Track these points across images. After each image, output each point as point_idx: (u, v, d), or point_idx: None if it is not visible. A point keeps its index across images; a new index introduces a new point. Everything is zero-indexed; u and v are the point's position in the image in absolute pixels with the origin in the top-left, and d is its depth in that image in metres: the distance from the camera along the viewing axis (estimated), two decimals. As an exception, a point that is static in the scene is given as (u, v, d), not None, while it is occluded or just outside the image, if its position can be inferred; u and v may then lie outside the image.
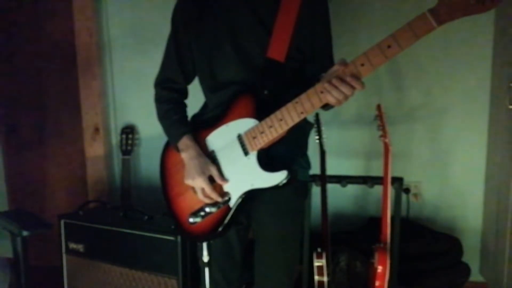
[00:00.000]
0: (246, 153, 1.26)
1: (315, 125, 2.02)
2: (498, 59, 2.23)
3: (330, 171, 2.03)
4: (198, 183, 1.29)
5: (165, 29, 2.55)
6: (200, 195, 1.30)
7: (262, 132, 1.22)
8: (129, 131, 2.56)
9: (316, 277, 1.92)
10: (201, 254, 1.36)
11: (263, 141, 1.23)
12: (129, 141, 2.54)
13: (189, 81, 1.45)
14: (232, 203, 1.29)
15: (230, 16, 1.29)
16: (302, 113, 1.17)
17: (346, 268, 2.09)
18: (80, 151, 2.70)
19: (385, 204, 1.85)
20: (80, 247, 2.14)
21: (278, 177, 1.22)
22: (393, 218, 1.91)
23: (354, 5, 2.35)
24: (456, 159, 2.38)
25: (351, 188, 2.33)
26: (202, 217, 1.29)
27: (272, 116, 1.21)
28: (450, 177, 2.40)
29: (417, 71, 2.35)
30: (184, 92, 1.46)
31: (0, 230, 2.06)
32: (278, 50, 1.25)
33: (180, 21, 1.38)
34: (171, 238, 1.88)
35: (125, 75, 2.62)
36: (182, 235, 1.42)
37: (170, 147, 1.44)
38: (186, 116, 1.43)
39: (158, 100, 1.45)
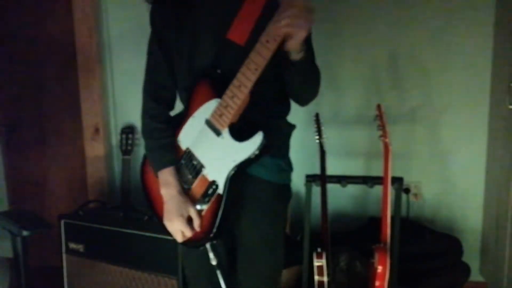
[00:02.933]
0: (218, 133, 1.22)
1: (315, 125, 2.02)
2: (498, 59, 2.23)
3: (330, 171, 2.03)
4: (176, 225, 1.27)
5: (165, 29, 2.56)
6: (178, 237, 1.29)
7: (226, 106, 1.19)
8: (129, 131, 2.56)
9: (316, 277, 1.91)
10: (208, 258, 1.30)
11: (230, 113, 1.19)
12: (129, 141, 2.54)
13: (176, 86, 1.39)
14: (221, 189, 1.23)
15: (206, 8, 1.26)
16: (256, 69, 1.13)
17: (346, 268, 2.09)
18: (80, 151, 2.70)
19: (385, 204, 1.85)
20: (80, 247, 2.14)
21: (256, 141, 1.18)
22: (393, 218, 1.91)
23: None
24: (456, 159, 2.38)
25: (351, 188, 2.33)
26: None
27: (231, 86, 1.18)
28: (450, 177, 2.40)
29: (417, 71, 2.35)
30: (172, 101, 1.40)
31: (0, 230, 2.06)
32: (239, 33, 1.22)
33: (160, 23, 1.34)
34: (171, 238, 1.87)
35: (125, 75, 2.62)
36: (187, 246, 1.35)
37: (148, 164, 1.39)
38: (173, 140, 1.33)
39: (146, 112, 1.39)
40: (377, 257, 1.79)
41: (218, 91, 1.21)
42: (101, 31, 2.59)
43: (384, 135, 1.86)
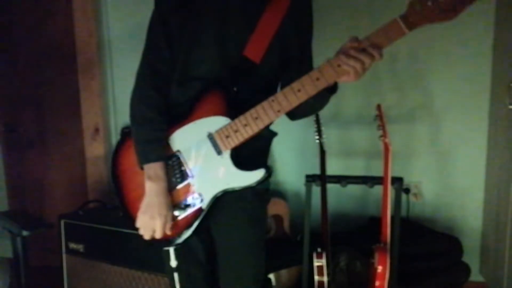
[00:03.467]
0: (219, 152, 1.21)
1: (315, 125, 2.02)
2: (498, 59, 2.23)
3: (330, 171, 2.03)
4: (154, 224, 1.24)
5: (165, 29, 2.55)
6: (146, 234, 1.27)
7: (236, 131, 1.19)
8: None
9: (316, 277, 1.92)
10: (168, 259, 1.34)
11: (238, 140, 1.19)
12: (129, 141, 2.53)
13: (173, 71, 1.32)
14: (205, 204, 1.24)
15: (216, 11, 1.23)
16: (279, 111, 1.16)
17: (346, 268, 2.09)
18: (80, 151, 2.70)
19: (385, 204, 1.85)
20: (80, 247, 2.14)
21: (256, 176, 1.20)
22: (393, 218, 1.91)
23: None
24: (456, 159, 2.38)
25: (351, 188, 2.33)
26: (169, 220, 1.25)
27: (247, 114, 1.18)
28: (450, 177, 2.40)
29: (417, 71, 2.35)
30: (168, 92, 1.31)
31: (0, 230, 2.06)
32: (255, 50, 1.22)
33: (167, 8, 1.27)
34: (171, 238, 1.87)
35: (125, 75, 2.62)
36: (144, 242, 1.32)
37: (125, 148, 1.33)
38: (165, 133, 1.27)
39: (142, 99, 1.29)
40: (377, 257, 1.79)
41: (229, 110, 1.21)
42: (101, 31, 2.59)
43: (384, 135, 1.86)
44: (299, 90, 1.13)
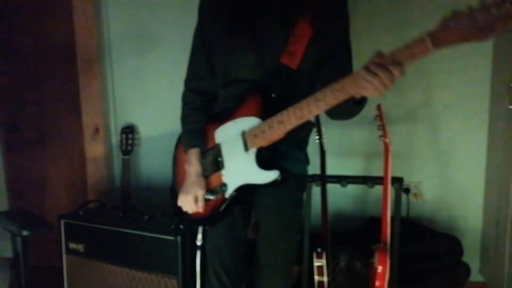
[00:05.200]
0: (246, 149, 1.33)
1: (315, 125, 2.02)
2: (498, 59, 2.23)
3: (330, 171, 2.03)
4: (188, 199, 1.39)
5: (165, 29, 2.57)
6: (184, 207, 1.42)
7: (263, 132, 1.29)
8: (129, 131, 2.56)
9: (316, 277, 1.91)
10: (195, 237, 1.49)
11: (263, 140, 1.29)
12: (129, 141, 2.54)
13: (215, 76, 1.46)
14: (227, 194, 1.38)
15: (253, 16, 1.32)
16: (300, 118, 1.22)
17: (346, 268, 2.09)
18: (80, 151, 2.70)
19: (385, 204, 1.85)
20: (80, 247, 2.14)
21: (270, 176, 1.31)
22: (393, 218, 1.91)
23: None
24: (456, 159, 2.38)
25: (351, 188, 2.33)
26: (202, 201, 1.40)
27: (274, 118, 1.26)
28: (450, 177, 2.40)
29: (417, 71, 2.35)
30: (210, 92, 1.47)
31: (0, 230, 2.06)
32: (291, 57, 1.30)
33: (208, 13, 1.40)
34: (171, 238, 1.88)
35: (125, 75, 2.62)
36: (188, 220, 1.48)
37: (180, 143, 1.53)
38: (203, 125, 1.45)
39: (182, 99, 1.51)
40: (377, 257, 1.79)
41: (264, 114, 1.30)
42: (101, 31, 2.59)
43: (384, 135, 1.86)
44: (319, 100, 1.17)
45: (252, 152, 1.32)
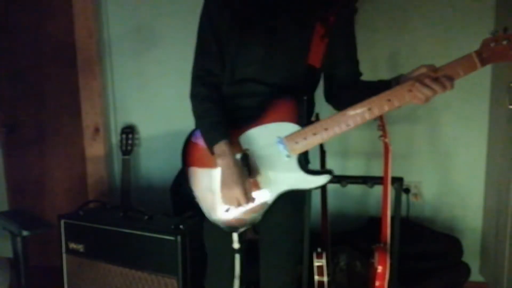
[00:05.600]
0: (287, 156, 1.31)
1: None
2: (498, 59, 2.23)
3: (330, 171, 2.03)
4: (234, 193, 1.30)
5: (165, 29, 2.57)
6: (232, 203, 1.33)
7: (305, 139, 1.28)
8: (129, 131, 2.56)
9: (316, 277, 1.92)
10: (231, 242, 1.42)
11: (306, 147, 1.29)
12: (129, 141, 2.54)
13: (224, 71, 1.41)
14: (270, 200, 1.36)
15: (271, 15, 1.31)
16: (347, 126, 1.25)
17: (346, 268, 2.09)
18: (80, 151, 2.70)
19: (385, 204, 1.85)
20: (80, 247, 2.14)
21: (322, 180, 1.32)
22: (393, 218, 1.91)
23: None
24: (456, 159, 2.38)
25: (351, 188, 2.33)
26: (237, 211, 1.37)
27: (318, 125, 1.27)
28: (450, 177, 2.40)
29: (417, 71, 2.35)
30: (220, 85, 1.41)
31: (0, 230, 2.06)
32: (316, 56, 1.32)
33: (215, 8, 1.35)
34: (171, 238, 1.88)
35: (125, 75, 2.63)
36: (224, 228, 1.43)
37: (191, 142, 1.44)
38: (225, 118, 1.38)
39: (195, 96, 1.40)
40: (377, 257, 1.79)
41: (299, 118, 1.30)
42: (101, 31, 2.59)
43: (384, 135, 1.86)
44: (369, 109, 1.22)
45: (293, 158, 1.31)
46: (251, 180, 1.34)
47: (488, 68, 2.28)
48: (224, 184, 1.32)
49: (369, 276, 1.89)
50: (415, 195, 2.41)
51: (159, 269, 1.92)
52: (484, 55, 1.13)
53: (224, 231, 1.43)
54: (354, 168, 2.42)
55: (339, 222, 2.43)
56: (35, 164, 2.81)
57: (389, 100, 1.21)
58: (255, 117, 1.33)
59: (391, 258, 1.81)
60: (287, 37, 1.32)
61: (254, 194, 1.35)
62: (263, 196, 1.36)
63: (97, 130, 2.62)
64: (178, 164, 2.45)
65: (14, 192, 2.88)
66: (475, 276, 2.33)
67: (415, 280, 2.09)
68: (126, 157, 2.51)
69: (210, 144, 1.35)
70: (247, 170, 1.33)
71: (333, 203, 2.20)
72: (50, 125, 2.76)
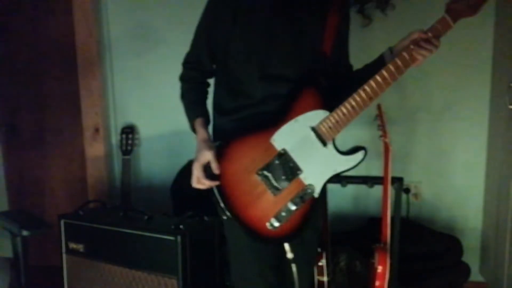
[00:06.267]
0: (324, 144, 1.32)
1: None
2: (498, 59, 2.23)
3: (330, 171, 2.03)
4: (195, 170, 1.30)
5: (165, 29, 2.57)
6: (194, 183, 1.32)
7: (337, 121, 1.31)
8: (129, 131, 2.56)
9: (316, 277, 1.91)
10: (284, 252, 1.39)
11: (339, 129, 1.32)
12: (129, 141, 2.54)
13: (215, 63, 1.45)
14: (317, 193, 1.34)
15: (286, 9, 1.33)
16: (370, 98, 1.29)
17: (346, 268, 2.09)
18: (80, 151, 2.70)
19: (385, 204, 1.85)
20: (80, 247, 2.14)
21: (358, 158, 1.37)
22: (393, 218, 1.91)
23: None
24: (456, 159, 2.38)
25: (351, 188, 2.33)
26: (285, 217, 1.31)
27: (345, 105, 1.29)
28: (450, 177, 2.40)
29: (418, 71, 2.33)
30: (208, 72, 1.47)
31: (0, 230, 2.06)
32: (328, 44, 1.37)
33: (224, 4, 1.35)
34: (171, 238, 1.87)
35: (125, 75, 2.63)
36: (262, 242, 1.35)
37: (224, 157, 1.31)
38: (205, 97, 1.46)
39: (181, 78, 1.48)
40: (377, 257, 1.79)
41: (325, 103, 1.32)
42: (101, 31, 2.59)
43: (384, 135, 1.86)
44: (384, 79, 1.29)
45: (330, 144, 1.33)
46: (293, 182, 1.31)
47: (488, 68, 2.28)
48: (198, 152, 1.33)
49: (369, 276, 1.89)
50: (415, 195, 2.41)
51: (159, 269, 1.92)
52: (451, 14, 1.32)
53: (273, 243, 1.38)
54: (354, 168, 2.41)
55: (339, 222, 2.43)
56: (35, 164, 2.81)
57: (397, 67, 1.30)
58: (281, 115, 1.31)
59: (391, 258, 1.81)
60: (308, 28, 1.35)
61: (300, 193, 1.32)
62: (309, 193, 1.33)
63: (97, 130, 2.62)
64: (178, 164, 2.47)
65: (14, 192, 2.88)
66: (475, 276, 2.33)
67: (415, 280, 2.09)
68: (126, 157, 2.51)
69: (190, 121, 1.42)
70: (290, 171, 1.30)
71: (333, 203, 2.19)
72: (50, 125, 2.76)
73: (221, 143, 1.32)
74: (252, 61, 1.34)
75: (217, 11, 1.37)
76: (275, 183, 1.30)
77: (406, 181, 2.10)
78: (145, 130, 2.64)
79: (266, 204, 1.31)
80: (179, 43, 2.46)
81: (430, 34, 1.32)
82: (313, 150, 1.32)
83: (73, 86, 2.63)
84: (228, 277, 2.08)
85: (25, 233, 1.93)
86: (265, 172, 1.29)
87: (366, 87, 1.29)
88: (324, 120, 1.31)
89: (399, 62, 1.31)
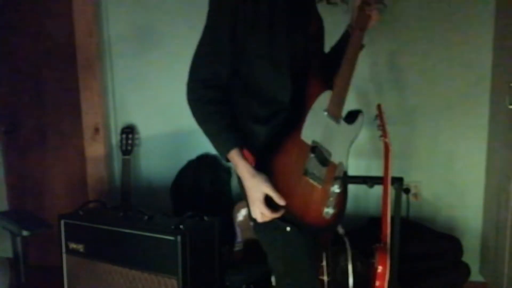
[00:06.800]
0: (338, 121, 1.37)
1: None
2: (498, 59, 2.23)
3: (330, 171, 2.03)
4: (256, 207, 1.24)
5: (165, 29, 2.57)
6: (259, 219, 1.25)
7: (339, 95, 1.36)
8: (129, 131, 2.56)
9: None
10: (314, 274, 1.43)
11: (344, 102, 1.37)
12: (129, 141, 2.54)
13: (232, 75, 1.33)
14: (346, 166, 1.42)
15: (302, 13, 1.39)
16: (352, 63, 1.36)
17: (346, 268, 2.08)
18: (80, 151, 2.70)
19: (385, 204, 1.85)
20: (80, 247, 2.14)
21: (361, 121, 1.44)
22: (393, 218, 1.91)
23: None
24: (456, 159, 2.38)
25: (351, 188, 2.32)
26: (334, 201, 1.35)
27: (339, 79, 1.35)
28: (450, 177, 2.40)
29: (417, 71, 2.35)
30: (226, 88, 1.30)
31: (0, 230, 2.06)
32: (313, 22, 1.43)
33: (236, 9, 1.24)
34: (171, 238, 1.87)
35: (125, 75, 2.63)
36: (317, 232, 1.41)
37: (274, 168, 1.27)
38: (234, 121, 1.29)
39: (200, 99, 1.28)
40: (377, 257, 1.79)
41: (327, 83, 1.37)
42: (101, 31, 2.59)
43: (384, 135, 1.86)
44: (354, 43, 1.37)
45: (341, 119, 1.38)
46: (329, 166, 1.34)
47: (488, 68, 2.28)
48: (249, 196, 1.26)
49: (369, 276, 1.89)
50: (415, 195, 2.41)
51: (159, 269, 1.92)
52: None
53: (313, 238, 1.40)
54: (354, 168, 2.41)
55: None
56: (35, 164, 2.81)
57: (361, 29, 1.38)
58: (300, 109, 1.32)
59: (391, 258, 1.81)
60: (315, 23, 1.44)
61: (336, 173, 1.36)
62: (341, 169, 1.38)
63: (97, 130, 2.62)
64: (178, 164, 2.47)
65: (14, 192, 2.88)
66: (475, 276, 2.33)
67: (415, 280, 2.09)
68: (126, 157, 2.51)
69: (221, 151, 1.28)
70: (325, 159, 1.33)
71: (333, 203, 2.20)
72: (50, 125, 2.76)
73: (266, 163, 1.27)
74: (280, 65, 1.30)
75: (235, 15, 1.25)
76: (319, 175, 1.31)
77: (406, 181, 2.10)
78: (145, 130, 2.64)
79: (317, 198, 1.32)
80: (179, 43, 2.49)
81: None
82: (332, 130, 1.36)
83: (73, 86, 2.63)
84: (228, 277, 2.08)
85: (25, 233, 1.94)
86: (310, 170, 1.29)
87: (347, 57, 1.35)
88: (331, 99, 1.35)
89: (360, 20, 1.39)
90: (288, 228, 1.28)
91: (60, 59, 2.67)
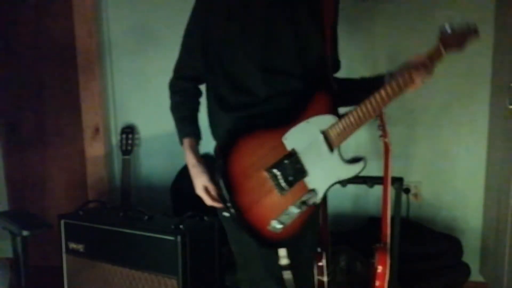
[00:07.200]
0: (331, 149, 1.32)
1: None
2: (498, 59, 2.23)
3: (330, 171, 2.03)
4: (199, 191, 1.35)
5: (165, 29, 2.57)
6: (202, 193, 1.34)
7: (344, 129, 1.31)
8: (129, 131, 2.56)
9: (316, 277, 1.91)
10: (275, 259, 1.35)
11: (345, 137, 1.32)
12: (129, 141, 2.54)
13: (208, 66, 1.40)
14: (319, 199, 1.32)
15: (282, 7, 1.32)
16: (374, 112, 1.30)
17: (346, 268, 2.09)
18: (80, 151, 2.70)
19: (385, 204, 1.85)
20: (80, 247, 2.14)
21: (358, 168, 1.36)
22: (393, 218, 1.91)
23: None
24: (456, 159, 2.38)
25: (351, 188, 2.33)
26: (287, 220, 1.28)
27: (354, 113, 1.30)
28: (450, 177, 2.40)
29: (417, 71, 2.35)
30: (201, 78, 1.44)
31: (0, 230, 2.06)
32: (328, 44, 1.37)
33: (217, 3, 1.35)
34: (171, 238, 1.87)
35: (125, 75, 2.63)
36: (262, 244, 1.31)
37: (231, 154, 1.29)
38: (196, 113, 1.43)
39: (171, 88, 1.47)
40: (377, 257, 1.79)
41: (334, 108, 1.33)
42: (101, 31, 2.59)
43: (384, 135, 1.86)
44: (387, 94, 1.32)
45: (336, 150, 1.33)
46: (298, 184, 1.29)
47: (488, 68, 2.28)
48: (194, 182, 1.37)
49: (369, 276, 1.88)
50: (415, 195, 2.41)
51: (159, 269, 1.92)
52: (443, 43, 1.42)
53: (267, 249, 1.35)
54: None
55: (339, 222, 2.43)
56: (35, 164, 2.81)
57: (398, 84, 1.36)
58: (294, 113, 1.30)
59: (391, 258, 1.81)
60: (307, 28, 1.34)
61: (303, 197, 1.29)
62: (312, 197, 1.31)
63: (97, 130, 2.62)
64: (178, 164, 2.47)
65: (14, 192, 2.88)
66: (475, 276, 2.33)
67: (415, 280, 2.09)
68: (126, 157, 2.51)
69: (179, 140, 1.42)
70: (297, 172, 1.28)
71: (333, 203, 2.19)
72: (50, 125, 2.76)
73: (223, 160, 1.27)
74: (252, 56, 1.32)
75: (209, 8, 1.36)
76: (282, 183, 1.27)
77: (406, 181, 2.10)
78: (145, 130, 2.64)
79: (270, 204, 1.28)
80: (179, 43, 2.48)
81: (425, 59, 1.41)
82: (320, 154, 1.31)
83: (73, 86, 2.63)
84: (228, 277, 2.08)
85: (25, 233, 1.93)
86: (274, 171, 1.27)
87: (372, 99, 1.30)
88: (333, 125, 1.31)
89: (400, 80, 1.35)
90: (225, 214, 1.31)
91: (60, 59, 2.67)
